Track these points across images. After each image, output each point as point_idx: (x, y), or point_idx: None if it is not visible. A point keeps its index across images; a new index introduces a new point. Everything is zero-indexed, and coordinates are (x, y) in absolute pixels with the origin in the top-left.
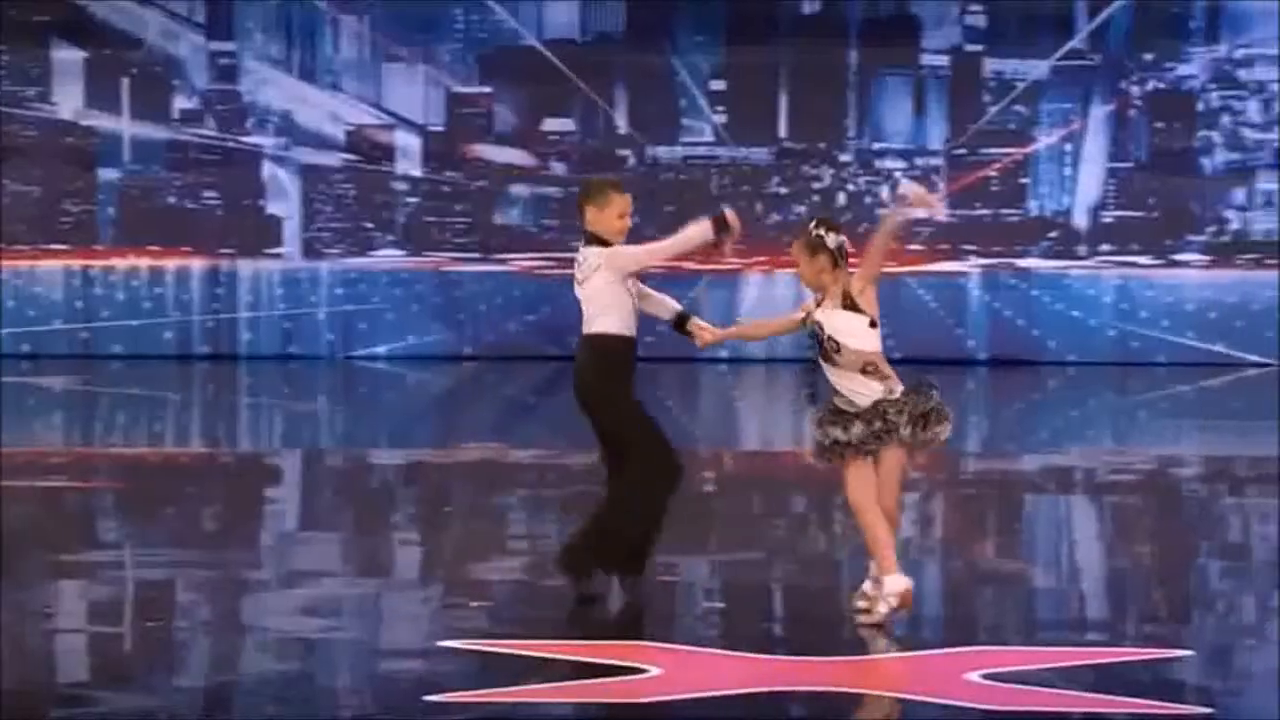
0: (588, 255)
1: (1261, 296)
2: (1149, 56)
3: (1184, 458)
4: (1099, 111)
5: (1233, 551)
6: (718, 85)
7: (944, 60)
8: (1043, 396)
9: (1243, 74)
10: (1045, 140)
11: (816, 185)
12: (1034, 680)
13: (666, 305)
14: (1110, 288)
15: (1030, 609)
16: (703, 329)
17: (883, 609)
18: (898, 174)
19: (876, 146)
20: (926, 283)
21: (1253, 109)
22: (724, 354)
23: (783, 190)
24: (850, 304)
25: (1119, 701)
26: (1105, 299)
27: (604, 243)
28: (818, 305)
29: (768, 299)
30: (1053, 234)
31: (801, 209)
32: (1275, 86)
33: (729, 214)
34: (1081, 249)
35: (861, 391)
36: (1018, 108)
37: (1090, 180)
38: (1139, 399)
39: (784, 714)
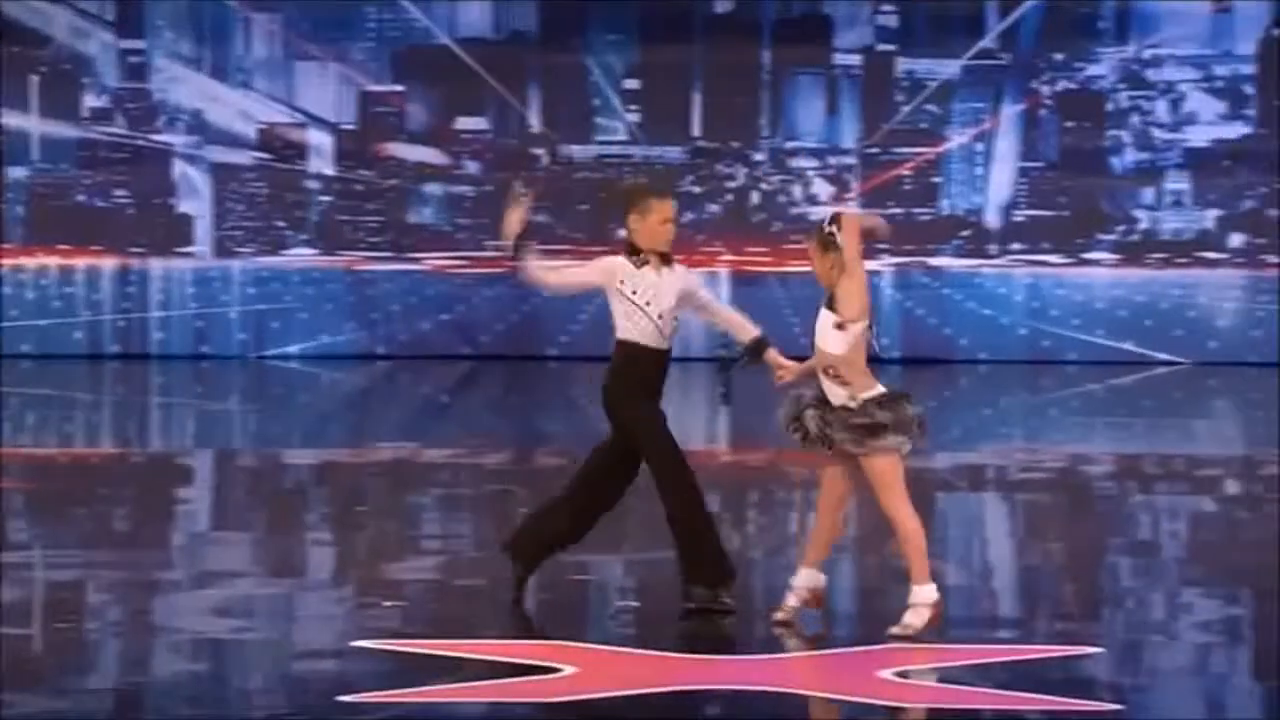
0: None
1: (1170, 295)
2: (1059, 56)
3: (1094, 455)
4: (1010, 111)
5: (1143, 549)
6: (631, 84)
7: (856, 60)
8: (955, 395)
9: (1151, 74)
10: (957, 139)
11: (730, 184)
12: (946, 678)
13: (740, 326)
14: (1021, 286)
15: (943, 606)
16: (782, 365)
17: (791, 601)
18: (810, 173)
19: (790, 145)
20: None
21: (1161, 109)
22: None
23: (696, 189)
24: (830, 302)
25: (1031, 699)
26: (1016, 298)
27: (639, 251)
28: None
29: None
30: (964, 233)
31: (715, 208)
32: (1184, 87)
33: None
34: (993, 248)
35: (831, 391)
36: (929, 107)
37: (1001, 179)
38: (1050, 397)
39: (697, 713)
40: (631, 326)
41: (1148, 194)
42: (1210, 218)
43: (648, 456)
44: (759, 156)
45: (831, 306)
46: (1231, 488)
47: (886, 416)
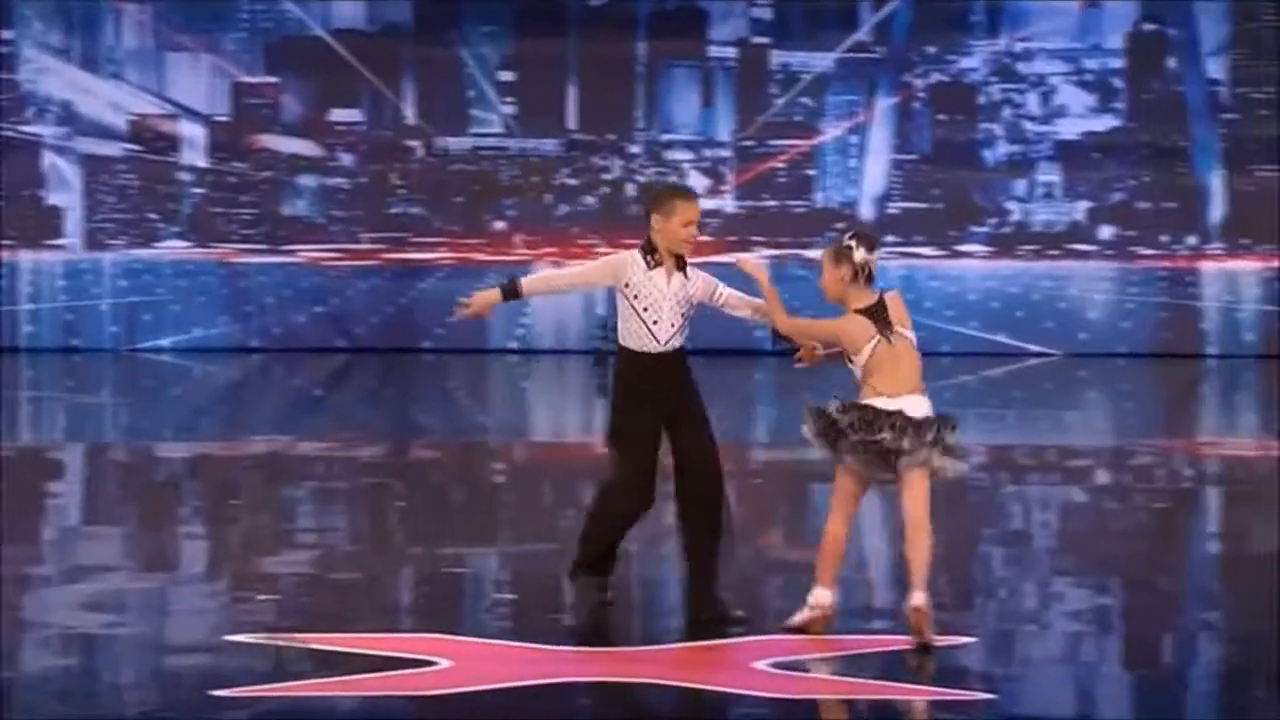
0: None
1: (1041, 287)
2: (931, 50)
3: (967, 447)
4: (883, 104)
5: (1015, 539)
6: (506, 76)
7: (731, 53)
8: (825, 389)
9: (1022, 67)
10: (831, 132)
11: (606, 176)
12: (821, 668)
13: (773, 309)
14: (895, 278)
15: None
16: (805, 350)
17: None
18: (686, 165)
19: (665, 138)
20: (715, 273)
21: (1032, 102)
22: (514, 344)
23: (572, 181)
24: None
25: (904, 688)
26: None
27: (657, 251)
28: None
29: None
30: (839, 225)
31: (591, 200)
32: (1054, 80)
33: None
34: None
35: (919, 405)
36: (804, 100)
37: (875, 172)
38: (930, 386)
39: (573, 705)
40: (626, 330)
41: (1019, 186)
42: (1080, 210)
43: (611, 467)
44: (634, 149)
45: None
46: (1102, 478)
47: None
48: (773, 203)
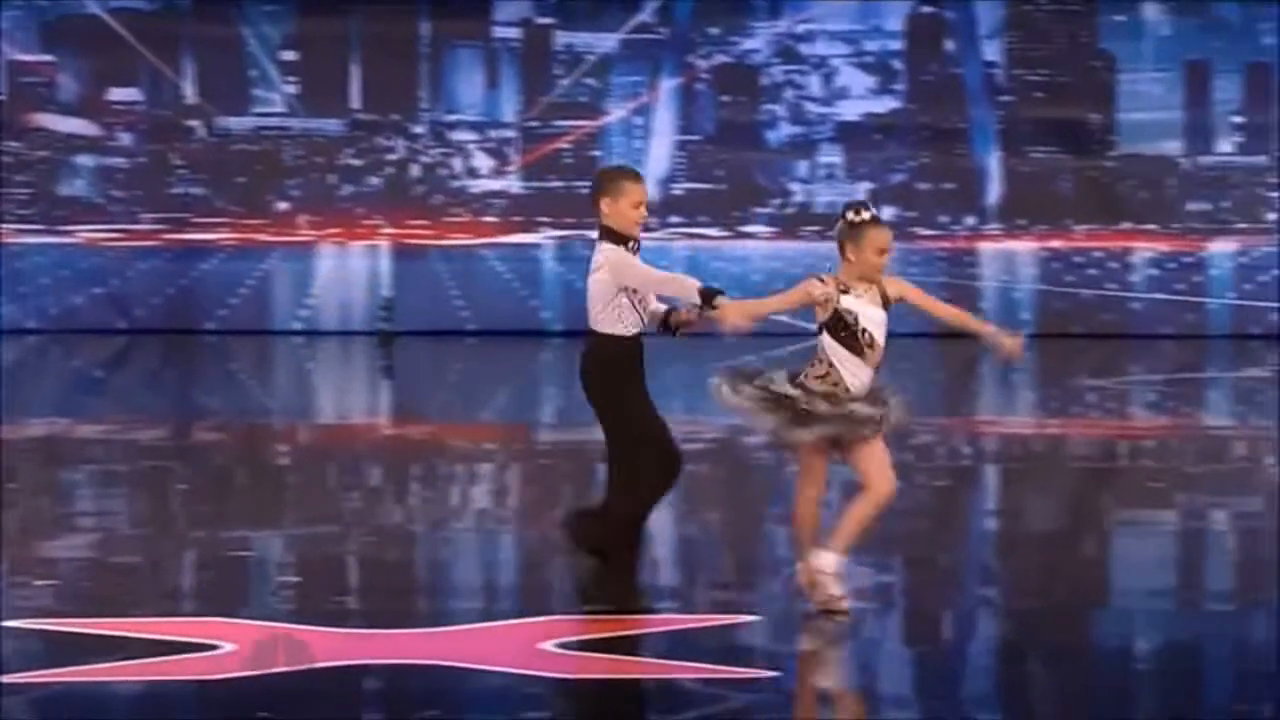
0: (599, 249)
1: (824, 267)
2: (714, 31)
3: (751, 426)
4: (667, 85)
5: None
6: (288, 55)
7: (515, 33)
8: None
9: (804, 49)
10: (616, 113)
11: (390, 157)
12: (607, 648)
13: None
14: (680, 259)
15: (604, 578)
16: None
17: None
18: (471, 146)
19: (450, 118)
20: (501, 254)
21: (814, 83)
22: (298, 326)
23: (356, 162)
24: (886, 304)
25: (689, 667)
26: (676, 270)
27: (618, 236)
28: (843, 292)
29: (341, 269)
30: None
31: (376, 180)
32: (835, 62)
33: (723, 302)
34: (652, 221)
35: (865, 379)
36: (589, 80)
37: (660, 153)
38: (708, 369)
39: (359, 687)
40: (619, 317)
41: (802, 167)
42: (862, 191)
43: (620, 450)
44: (419, 129)
45: (885, 307)
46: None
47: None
48: (559, 183)
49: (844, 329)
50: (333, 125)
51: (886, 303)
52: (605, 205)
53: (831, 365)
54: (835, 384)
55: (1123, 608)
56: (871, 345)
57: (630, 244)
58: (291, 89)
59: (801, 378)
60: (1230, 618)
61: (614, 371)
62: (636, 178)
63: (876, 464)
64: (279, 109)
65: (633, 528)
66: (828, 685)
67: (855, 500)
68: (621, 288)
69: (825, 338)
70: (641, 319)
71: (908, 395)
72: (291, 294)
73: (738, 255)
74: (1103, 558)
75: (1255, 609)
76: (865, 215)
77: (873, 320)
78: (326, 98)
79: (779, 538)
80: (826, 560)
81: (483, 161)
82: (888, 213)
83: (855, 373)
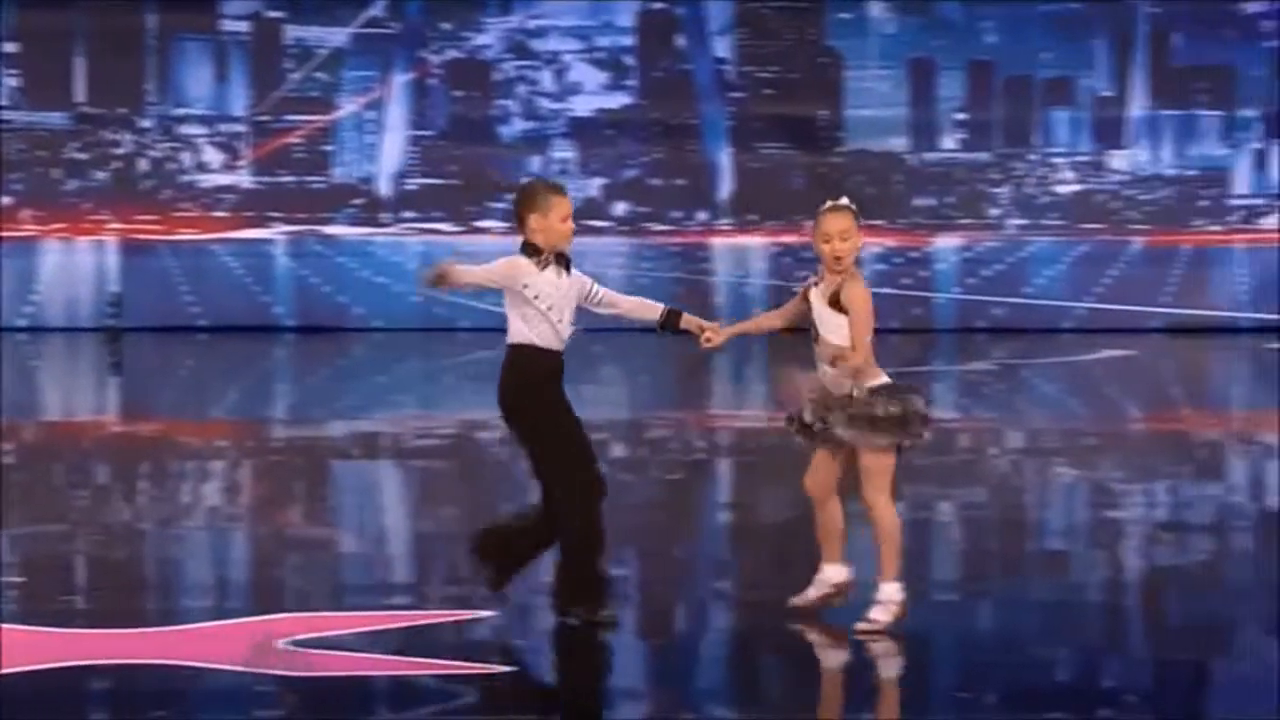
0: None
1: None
2: (447, 26)
3: (488, 421)
4: (400, 80)
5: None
6: (10, 48)
7: (245, 26)
8: (349, 363)
9: (536, 44)
10: (348, 108)
11: (117, 151)
12: (342, 645)
13: (647, 309)
14: (415, 254)
15: (338, 575)
16: (705, 327)
17: (811, 593)
18: (200, 140)
19: (178, 112)
20: (232, 249)
21: (547, 79)
22: (22, 323)
23: (82, 156)
24: (836, 304)
25: (425, 663)
26: (410, 265)
27: (538, 251)
28: (815, 283)
29: (67, 265)
30: (357, 201)
31: (103, 175)
32: (568, 57)
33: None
34: (386, 216)
35: (836, 382)
36: (320, 75)
37: (393, 148)
38: (444, 364)
39: (88, 688)
40: (527, 329)
41: (535, 162)
42: (595, 186)
43: (539, 466)
44: (146, 123)
45: (834, 299)
46: (617, 450)
47: (893, 410)
48: (290, 178)
49: (809, 323)
50: (56, 119)
51: (835, 303)
52: (535, 221)
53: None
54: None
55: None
56: (817, 340)
57: (540, 258)
58: (13, 82)
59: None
60: (955, 607)
61: (530, 387)
62: (561, 191)
63: (867, 482)
64: (2, 102)
65: (586, 539)
66: (563, 680)
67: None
68: (526, 298)
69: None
70: (559, 336)
71: (641, 390)
72: (15, 290)
73: (472, 250)
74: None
75: (980, 598)
76: (825, 205)
77: (820, 315)
78: (50, 91)
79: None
80: (883, 590)
81: (212, 156)
82: (620, 208)
83: (822, 369)
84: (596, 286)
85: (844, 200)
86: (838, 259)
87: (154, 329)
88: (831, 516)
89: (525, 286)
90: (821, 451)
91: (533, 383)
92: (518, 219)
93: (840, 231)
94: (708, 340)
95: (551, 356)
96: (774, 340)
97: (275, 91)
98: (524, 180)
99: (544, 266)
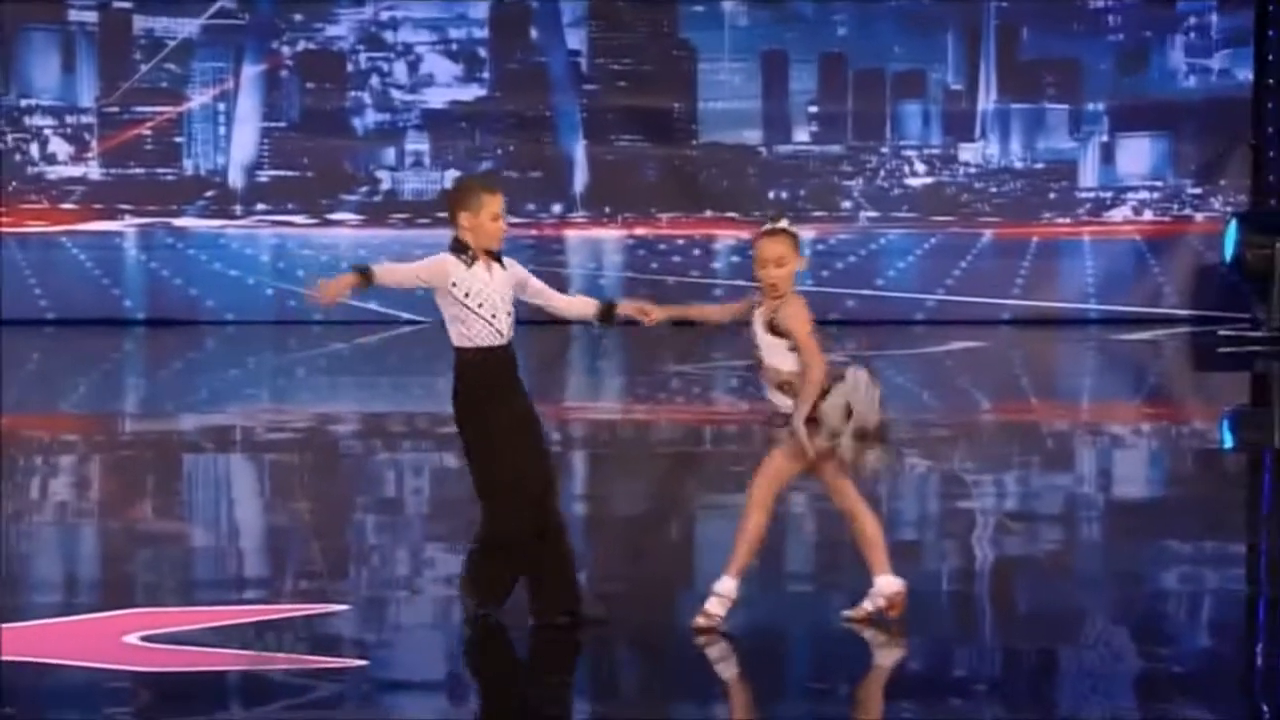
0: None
1: (412, 255)
2: (299, 17)
3: (341, 414)
4: (251, 71)
5: (387, 506)
6: None
7: (93, 16)
8: (202, 356)
9: (390, 36)
10: (199, 99)
11: None
12: (193, 640)
13: (582, 305)
14: (268, 246)
15: (189, 569)
16: (643, 310)
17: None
18: (48, 132)
19: (25, 103)
20: (81, 242)
21: (400, 71)
22: None
23: None
24: (774, 329)
25: (276, 658)
26: (263, 258)
27: (465, 248)
28: (756, 305)
29: None
30: (209, 193)
31: None
32: (421, 49)
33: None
34: (238, 208)
35: (780, 401)
36: (170, 66)
37: (245, 139)
38: (297, 357)
39: None
40: (465, 330)
41: (389, 154)
42: (449, 178)
43: (474, 476)
44: None
45: (772, 325)
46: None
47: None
48: (140, 170)
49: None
50: None
51: (771, 325)
52: (466, 220)
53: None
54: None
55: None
56: (760, 365)
57: (469, 255)
58: None
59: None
60: (808, 598)
61: (472, 390)
62: (493, 188)
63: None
64: None
65: (509, 545)
66: (414, 673)
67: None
68: (456, 299)
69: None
70: (498, 333)
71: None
72: None
73: (326, 243)
74: (687, 541)
75: (833, 589)
76: (764, 226)
77: (760, 339)
78: None
79: (369, 526)
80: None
81: (60, 147)
82: None
83: (769, 393)
84: (533, 280)
85: (782, 223)
86: (773, 286)
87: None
88: (870, 523)
89: (454, 285)
90: (786, 458)
91: (478, 390)
92: (450, 215)
93: (776, 258)
94: (650, 320)
95: (495, 354)
96: (632, 331)
97: (124, 82)
98: (458, 176)
99: (471, 263)
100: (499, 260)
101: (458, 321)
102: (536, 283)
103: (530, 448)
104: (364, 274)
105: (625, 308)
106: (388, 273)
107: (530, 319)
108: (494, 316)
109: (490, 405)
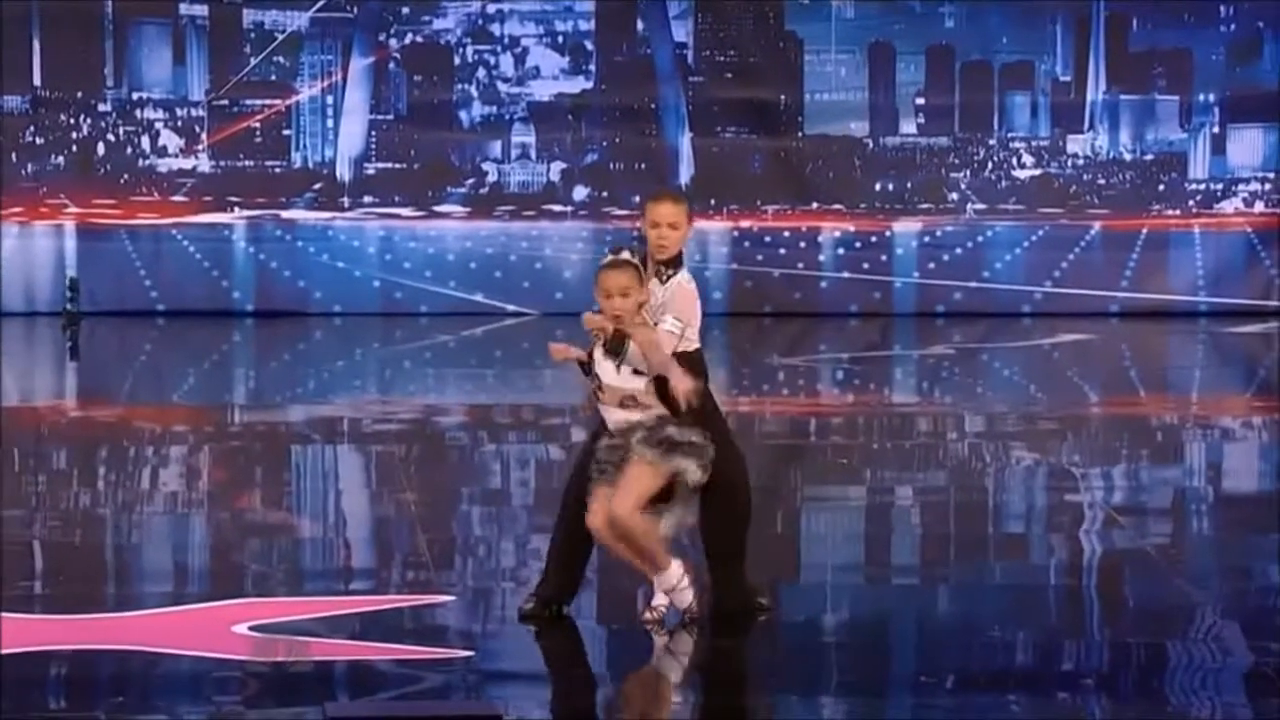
0: None
1: (518, 248)
2: (405, 10)
3: (447, 406)
4: (359, 64)
5: (494, 497)
6: None
7: (202, 10)
8: (309, 347)
9: (496, 29)
10: (307, 92)
11: (75, 135)
12: (300, 630)
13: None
14: (374, 239)
15: (297, 560)
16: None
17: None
18: (158, 125)
19: (136, 96)
20: (191, 234)
21: (506, 63)
22: None
23: (39, 141)
24: (610, 343)
25: (383, 648)
26: (369, 250)
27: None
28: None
29: (25, 249)
30: (317, 185)
31: (59, 159)
32: (527, 42)
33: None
34: (345, 200)
35: (624, 417)
36: (278, 59)
37: (352, 132)
38: (404, 349)
39: (46, 674)
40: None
41: (495, 147)
42: (555, 171)
43: None
44: (104, 108)
45: (612, 347)
46: (579, 435)
47: (694, 436)
48: (249, 162)
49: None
50: (14, 102)
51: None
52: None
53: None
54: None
55: (815, 582)
56: (601, 389)
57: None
58: None
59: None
60: (914, 591)
61: None
62: (658, 198)
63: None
64: None
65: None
66: (521, 664)
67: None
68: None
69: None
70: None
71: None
72: None
73: (431, 235)
74: (793, 533)
75: (939, 582)
76: (605, 258)
77: (601, 367)
78: (8, 75)
79: (475, 517)
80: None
81: (171, 140)
82: (580, 193)
83: (609, 414)
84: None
85: (624, 254)
86: (616, 317)
87: (112, 313)
88: (647, 532)
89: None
90: (601, 490)
91: None
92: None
93: (620, 289)
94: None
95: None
96: (738, 323)
97: (234, 75)
98: None
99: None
100: (662, 277)
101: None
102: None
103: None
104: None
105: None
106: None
107: None
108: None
109: None
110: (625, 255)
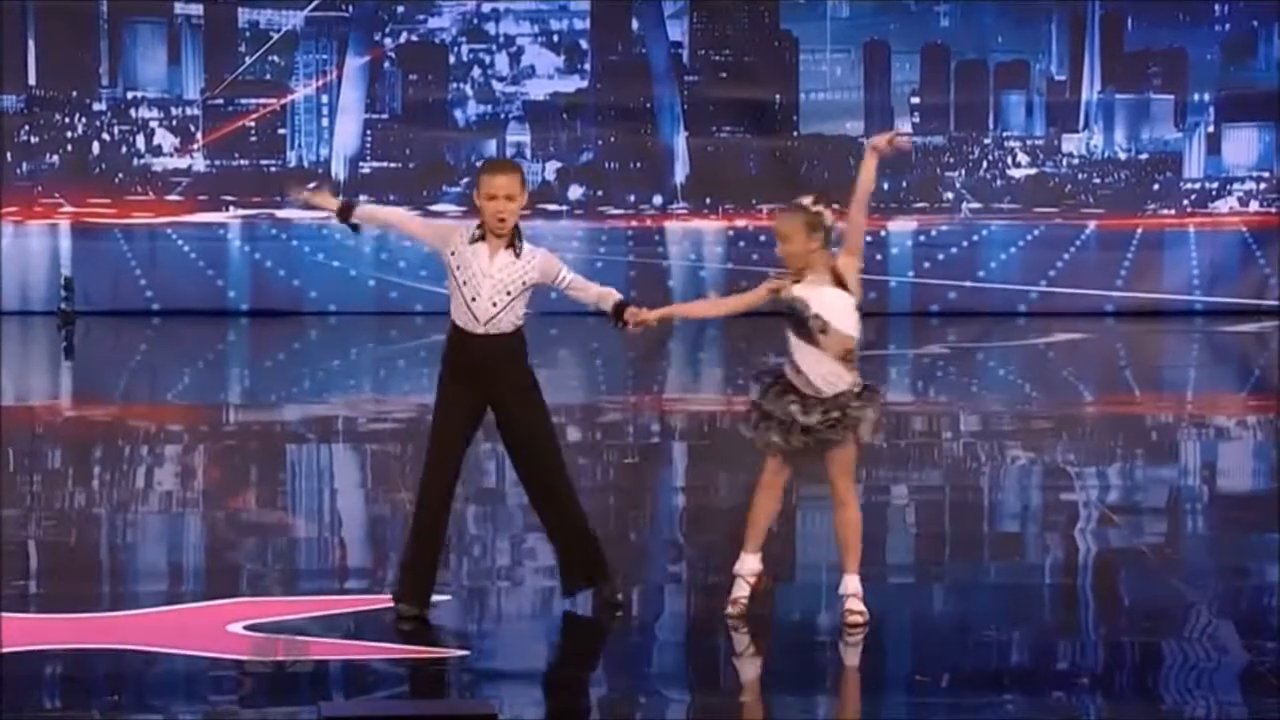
0: None
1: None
2: (400, 9)
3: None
4: (354, 63)
5: (487, 496)
6: None
7: (197, 10)
8: (305, 347)
9: (491, 28)
10: (302, 91)
11: (70, 135)
12: (296, 629)
13: (605, 297)
14: (370, 238)
15: (292, 559)
16: (640, 318)
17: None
18: (153, 124)
19: (131, 96)
20: (185, 233)
21: (502, 63)
22: None
23: (34, 140)
24: (840, 282)
25: (378, 647)
26: (365, 249)
27: (480, 225)
28: (794, 281)
29: (19, 248)
30: (312, 184)
31: (54, 159)
32: (522, 41)
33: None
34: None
35: (831, 380)
36: (273, 58)
37: (348, 131)
38: (399, 348)
39: (42, 672)
40: (452, 304)
41: (490, 146)
42: (550, 170)
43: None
44: (99, 107)
45: (839, 284)
46: (574, 434)
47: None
48: (244, 161)
49: (796, 318)
50: (9, 101)
51: (839, 280)
52: (476, 197)
53: (793, 362)
54: (812, 390)
55: (811, 581)
56: (825, 330)
57: (479, 229)
58: None
59: (771, 386)
60: (909, 590)
61: (442, 359)
62: (493, 169)
63: (844, 479)
64: None
65: (403, 560)
66: (516, 663)
67: (840, 524)
68: (448, 268)
69: (787, 335)
70: (474, 317)
71: (598, 374)
72: None
73: None
74: (788, 532)
75: (934, 581)
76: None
77: (827, 303)
78: (2, 74)
79: (469, 516)
80: (850, 583)
81: (165, 139)
82: (575, 192)
83: (814, 368)
84: (565, 272)
85: (806, 200)
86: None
87: (107, 313)
88: (769, 513)
89: (451, 253)
90: (776, 458)
91: (441, 368)
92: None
93: (784, 233)
94: (644, 322)
95: (463, 339)
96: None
97: (229, 75)
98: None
99: (475, 240)
100: (515, 249)
101: (450, 292)
102: (568, 275)
103: (451, 457)
104: (346, 208)
105: (630, 314)
106: (383, 214)
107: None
108: (473, 300)
109: (441, 389)
110: (806, 201)
